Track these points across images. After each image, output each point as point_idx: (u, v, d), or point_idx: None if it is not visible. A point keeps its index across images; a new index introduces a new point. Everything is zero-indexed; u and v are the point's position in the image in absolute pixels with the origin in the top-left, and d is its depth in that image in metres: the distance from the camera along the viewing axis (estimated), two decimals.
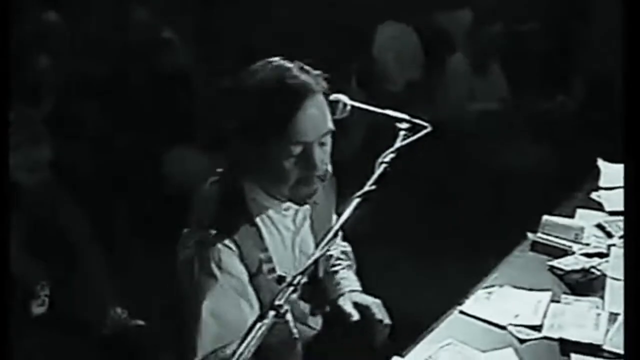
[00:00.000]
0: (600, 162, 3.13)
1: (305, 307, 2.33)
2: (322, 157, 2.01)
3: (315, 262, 1.76)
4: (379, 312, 2.27)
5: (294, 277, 1.70)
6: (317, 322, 2.38)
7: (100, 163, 4.32)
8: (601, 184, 3.01)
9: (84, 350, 3.50)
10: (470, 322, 2.25)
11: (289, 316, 2.14)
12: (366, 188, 1.84)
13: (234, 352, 1.57)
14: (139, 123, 4.39)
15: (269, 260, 2.09)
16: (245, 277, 2.05)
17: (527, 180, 4.32)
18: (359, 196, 1.83)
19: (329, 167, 2.12)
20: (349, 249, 2.53)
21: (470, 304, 2.30)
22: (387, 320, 2.26)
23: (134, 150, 4.32)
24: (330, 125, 2.01)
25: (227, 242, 2.01)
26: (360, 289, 2.39)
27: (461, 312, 2.29)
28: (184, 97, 4.53)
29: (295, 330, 2.20)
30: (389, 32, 5.46)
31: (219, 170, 2.15)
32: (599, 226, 2.71)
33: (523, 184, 4.26)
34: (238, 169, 2.10)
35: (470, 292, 2.37)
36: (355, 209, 1.82)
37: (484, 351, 2.10)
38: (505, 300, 2.32)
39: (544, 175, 4.33)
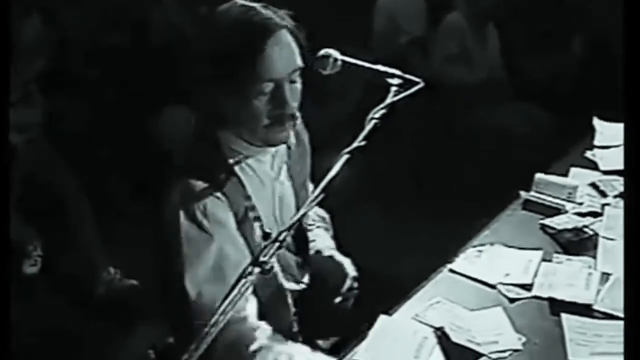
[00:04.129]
0: (596, 121, 3.09)
1: (291, 258, 2.30)
2: (293, 95, 2.01)
3: (301, 217, 1.75)
4: (352, 269, 2.30)
5: (280, 233, 1.66)
6: (304, 275, 2.34)
7: (92, 123, 4.28)
8: (596, 142, 2.97)
9: (77, 310, 3.49)
10: (460, 281, 2.22)
11: (276, 268, 2.13)
12: (355, 144, 1.81)
13: (217, 308, 1.55)
14: (131, 82, 4.34)
15: (253, 208, 2.08)
16: (232, 224, 2.03)
17: (520, 138, 4.28)
18: (348, 152, 1.80)
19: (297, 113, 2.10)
20: (327, 215, 2.52)
21: (460, 263, 2.28)
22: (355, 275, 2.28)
23: (127, 110, 4.27)
24: (299, 62, 2.00)
25: (216, 192, 2.00)
26: (334, 246, 2.39)
27: (451, 270, 2.26)
28: (177, 57, 4.47)
29: (284, 281, 2.19)
30: None
31: (194, 120, 2.15)
32: (593, 185, 2.67)
33: (516, 142, 4.21)
34: (212, 117, 2.08)
35: (460, 250, 2.33)
36: (344, 164, 1.78)
37: (472, 310, 2.08)
38: (495, 259, 2.29)
39: (538, 133, 4.29)
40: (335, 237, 2.50)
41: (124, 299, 3.71)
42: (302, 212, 1.74)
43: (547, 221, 2.44)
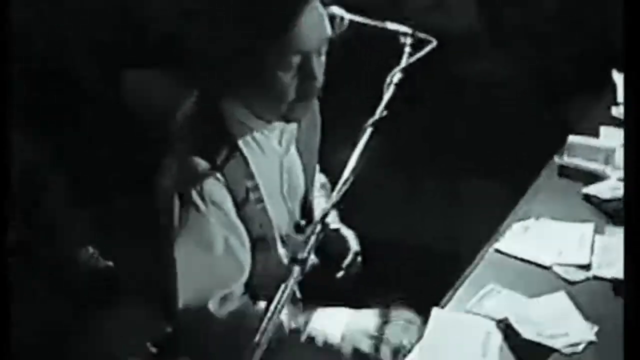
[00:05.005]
0: (615, 75, 2.87)
1: (300, 238, 2.06)
2: (320, 68, 1.79)
3: (334, 207, 1.56)
4: (355, 244, 2.18)
5: (315, 226, 1.51)
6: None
7: (62, 93, 3.95)
8: (619, 99, 2.75)
9: (52, 290, 3.26)
10: (509, 263, 2.01)
11: (282, 251, 1.98)
12: (378, 115, 1.64)
13: (263, 316, 1.41)
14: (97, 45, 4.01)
15: (256, 188, 1.87)
16: (231, 207, 1.83)
17: (532, 92, 4.01)
18: (371, 125, 1.62)
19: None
20: (325, 181, 2.35)
21: (505, 242, 2.06)
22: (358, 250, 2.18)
23: (97, 76, 3.95)
24: (329, 31, 1.78)
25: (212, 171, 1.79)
26: (337, 217, 2.27)
27: (497, 251, 2.05)
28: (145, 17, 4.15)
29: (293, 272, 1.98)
30: None
31: (196, 91, 1.90)
32: None
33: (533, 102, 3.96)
34: (219, 88, 1.86)
35: (504, 227, 2.12)
36: (369, 139, 1.61)
37: (532, 297, 1.87)
38: (544, 235, 2.08)
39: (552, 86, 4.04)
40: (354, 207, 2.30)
41: (101, 280, 3.50)
42: (334, 198, 1.54)
43: (591, 190, 2.24)
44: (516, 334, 1.73)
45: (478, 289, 1.89)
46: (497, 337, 1.74)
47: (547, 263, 1.98)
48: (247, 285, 1.93)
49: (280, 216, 1.98)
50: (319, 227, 1.51)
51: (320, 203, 2.26)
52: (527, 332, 1.72)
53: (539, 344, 1.71)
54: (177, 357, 2.08)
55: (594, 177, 2.31)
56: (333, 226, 2.21)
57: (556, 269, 1.97)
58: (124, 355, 2.66)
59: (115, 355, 2.87)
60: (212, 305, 1.85)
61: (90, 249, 3.56)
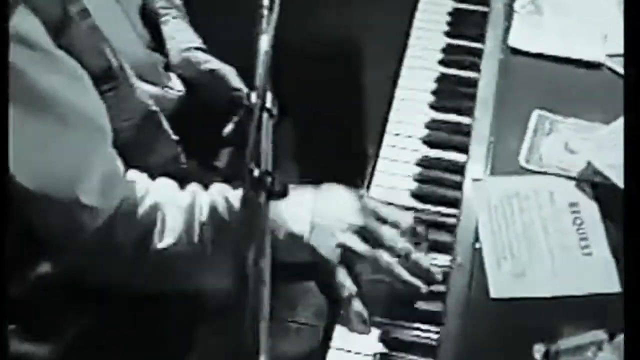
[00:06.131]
0: None
1: (156, 58, 1.52)
2: None
3: None
4: (234, 80, 1.64)
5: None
6: (175, 83, 1.60)
7: None
8: None
9: None
10: (540, 67, 1.35)
11: (133, 80, 1.31)
12: None
13: None
14: None
15: None
16: (44, 35, 1.13)
17: None
18: None
19: None
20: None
21: (519, 32, 1.39)
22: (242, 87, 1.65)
23: None
24: None
25: None
26: (204, 46, 1.70)
27: (513, 50, 1.37)
28: None
29: (150, 102, 1.40)
30: None
31: None
32: None
33: None
34: None
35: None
36: None
37: (599, 121, 1.24)
38: (570, 11, 1.42)
39: None
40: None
41: None
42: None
43: None
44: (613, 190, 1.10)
45: (521, 124, 1.23)
46: (592, 209, 1.11)
47: (596, 57, 1.33)
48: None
49: (121, 34, 1.33)
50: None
51: (180, 29, 1.67)
52: None
53: None
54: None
55: None
56: (206, 66, 1.64)
57: (610, 64, 1.33)
58: None
59: None
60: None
61: None
